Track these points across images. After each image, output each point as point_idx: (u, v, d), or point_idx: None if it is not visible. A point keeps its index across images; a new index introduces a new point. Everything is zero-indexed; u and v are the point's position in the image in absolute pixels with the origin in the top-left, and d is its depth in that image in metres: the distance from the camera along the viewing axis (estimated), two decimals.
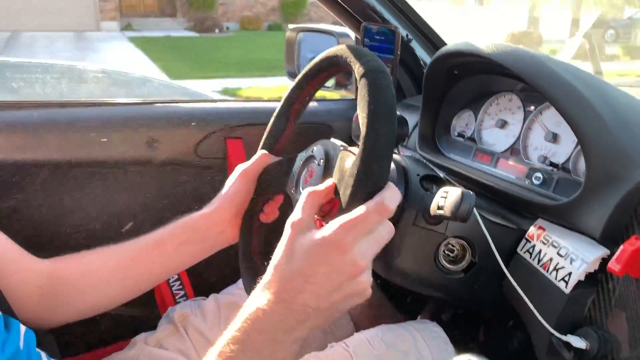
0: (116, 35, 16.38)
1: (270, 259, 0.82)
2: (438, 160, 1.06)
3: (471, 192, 0.70)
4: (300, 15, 21.59)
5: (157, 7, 20.47)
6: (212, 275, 1.22)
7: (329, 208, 0.78)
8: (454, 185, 0.87)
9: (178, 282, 1.23)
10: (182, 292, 1.22)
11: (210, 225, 0.90)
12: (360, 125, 0.66)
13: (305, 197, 0.66)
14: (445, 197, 0.72)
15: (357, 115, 1.00)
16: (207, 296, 1.10)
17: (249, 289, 0.88)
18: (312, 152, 0.86)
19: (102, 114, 1.18)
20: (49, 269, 0.91)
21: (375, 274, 0.69)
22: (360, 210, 0.60)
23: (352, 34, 1.34)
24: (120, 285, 0.91)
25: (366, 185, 0.63)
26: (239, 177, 0.90)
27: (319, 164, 0.82)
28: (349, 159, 0.73)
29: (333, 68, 0.83)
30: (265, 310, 0.60)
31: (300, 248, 0.60)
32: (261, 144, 0.94)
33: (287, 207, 0.90)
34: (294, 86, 0.90)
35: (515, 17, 15.98)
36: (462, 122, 1.10)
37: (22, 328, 0.84)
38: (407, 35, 1.24)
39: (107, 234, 1.15)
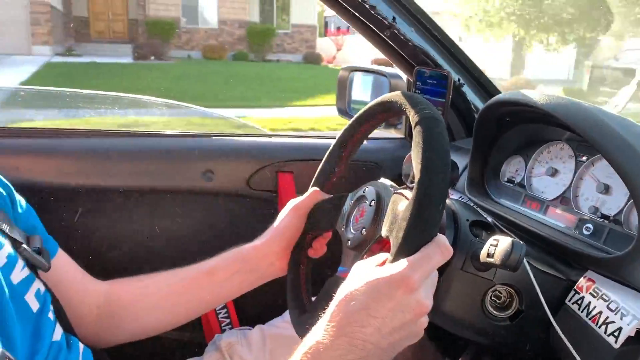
0: (37, 60, 16.06)
1: (317, 293, 0.85)
2: (486, 205, 1.07)
3: (522, 242, 0.71)
4: (267, 46, 21.36)
5: (127, 34, 20.88)
6: (258, 306, 1.25)
7: (378, 248, 0.80)
8: (503, 232, 0.88)
9: (224, 310, 1.26)
10: (227, 320, 1.26)
11: (260, 257, 0.93)
12: (415, 172, 0.69)
13: (378, 257, 0.69)
14: (496, 246, 0.74)
15: (408, 156, 1.03)
16: (253, 326, 1.13)
17: (295, 321, 0.90)
18: (363, 192, 0.88)
19: (164, 144, 1.24)
20: (107, 290, 0.96)
21: None
22: (425, 251, 0.62)
23: (404, 76, 1.38)
24: (172, 311, 0.95)
25: (420, 230, 0.65)
26: (291, 212, 0.93)
27: (370, 205, 0.84)
28: (401, 203, 0.75)
29: (387, 113, 0.86)
30: (326, 345, 0.62)
31: (367, 283, 0.62)
32: (313, 181, 0.98)
33: (335, 244, 0.93)
34: (348, 127, 0.94)
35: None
36: (512, 168, 1.11)
37: (81, 346, 0.89)
38: (459, 79, 1.27)
39: (161, 259, 1.20)
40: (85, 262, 0.97)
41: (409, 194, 0.83)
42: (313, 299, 0.91)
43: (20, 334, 0.76)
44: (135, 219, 1.24)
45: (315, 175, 0.98)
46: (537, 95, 0.92)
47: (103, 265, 1.21)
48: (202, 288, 0.93)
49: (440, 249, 0.64)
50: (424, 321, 0.64)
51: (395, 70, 1.41)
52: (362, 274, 0.64)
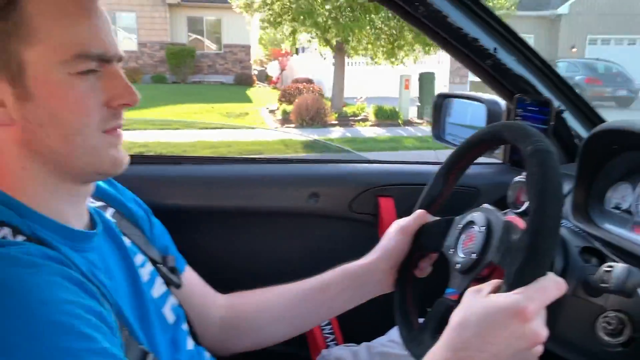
0: None
1: (423, 313, 0.89)
2: (591, 231, 1.08)
3: (638, 269, 0.73)
4: (186, 67, 20.57)
5: None
6: (361, 324, 1.30)
7: (487, 273, 0.83)
8: (613, 259, 0.89)
9: (329, 327, 1.33)
10: (332, 337, 1.32)
11: (368, 274, 0.98)
12: (530, 202, 0.72)
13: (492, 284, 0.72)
14: (610, 272, 0.76)
15: (514, 182, 1.05)
16: (357, 343, 1.19)
17: (405, 338, 0.94)
18: (472, 217, 0.91)
19: (276, 170, 1.35)
20: (228, 303, 1.06)
21: None
22: (542, 283, 0.65)
23: (501, 102, 1.40)
24: (290, 322, 1.03)
25: (536, 262, 0.68)
26: (398, 232, 0.98)
27: (479, 231, 0.86)
28: (515, 232, 0.78)
29: (497, 141, 0.89)
30: None
31: (483, 311, 0.66)
32: (419, 202, 1.02)
33: (441, 265, 0.96)
34: (456, 152, 0.98)
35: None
36: (618, 195, 1.11)
37: (207, 354, 0.98)
38: (559, 106, 1.28)
39: (271, 276, 1.30)
40: (206, 277, 1.07)
41: (520, 221, 0.86)
42: (419, 319, 0.96)
43: (162, 343, 0.86)
44: (249, 238, 1.35)
45: (421, 197, 1.02)
46: None
47: (221, 281, 1.32)
48: (316, 301, 1.00)
49: (556, 283, 0.67)
50: (539, 350, 0.67)
51: (493, 96, 1.44)
52: (478, 302, 0.68)
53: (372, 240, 1.38)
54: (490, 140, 0.91)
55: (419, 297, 0.99)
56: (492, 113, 1.44)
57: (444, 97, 1.65)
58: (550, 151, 0.72)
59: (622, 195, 1.11)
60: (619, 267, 0.74)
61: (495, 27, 1.17)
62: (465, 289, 0.84)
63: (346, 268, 1.00)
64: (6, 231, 0.66)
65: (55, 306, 0.59)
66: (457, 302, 0.84)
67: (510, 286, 0.69)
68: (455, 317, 0.69)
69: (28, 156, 0.70)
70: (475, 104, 1.54)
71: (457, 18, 1.12)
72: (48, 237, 0.70)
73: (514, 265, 0.70)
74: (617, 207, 1.10)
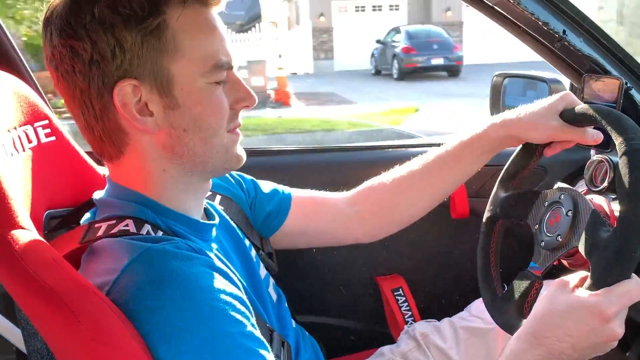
0: None
1: (507, 281, 0.94)
2: None
3: None
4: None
5: None
6: (437, 302, 1.37)
7: (572, 252, 0.88)
8: None
9: (406, 304, 1.40)
10: (409, 313, 1.40)
11: (499, 139, 1.00)
12: (619, 202, 0.76)
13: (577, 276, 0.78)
14: None
15: (591, 161, 1.08)
16: (437, 319, 1.26)
17: (489, 305, 0.99)
18: (559, 198, 0.94)
19: (350, 157, 1.41)
20: (359, 197, 1.14)
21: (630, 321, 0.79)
22: (625, 287, 0.71)
23: (566, 81, 1.43)
24: (430, 197, 1.11)
25: (622, 266, 0.72)
26: (543, 127, 0.94)
27: (566, 214, 0.88)
28: (603, 229, 0.80)
29: (590, 122, 0.89)
30: (527, 350, 0.74)
31: (566, 305, 0.72)
32: (503, 172, 1.05)
33: (523, 238, 1.00)
34: (577, 112, 0.94)
35: None
36: None
37: (306, 333, 1.07)
38: (626, 83, 1.30)
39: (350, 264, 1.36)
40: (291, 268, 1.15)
41: (606, 209, 0.89)
42: (504, 285, 1.01)
43: (274, 320, 0.95)
44: None
45: (506, 167, 1.05)
46: None
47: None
48: (452, 171, 1.07)
49: (639, 287, 0.71)
50: (615, 344, 0.73)
51: (555, 75, 1.47)
52: (563, 297, 0.74)
53: (444, 219, 1.45)
54: (586, 121, 0.91)
55: (501, 267, 1.04)
56: (555, 91, 1.46)
57: (504, 77, 1.68)
58: None
59: None
60: None
61: (564, 9, 1.20)
62: (548, 267, 0.90)
63: (480, 134, 1.02)
64: (148, 228, 0.76)
65: (212, 294, 0.68)
66: (540, 278, 0.90)
67: (596, 283, 0.73)
68: (540, 307, 0.76)
69: (169, 159, 0.78)
70: (536, 82, 1.56)
71: (527, 4, 1.15)
72: (182, 230, 0.79)
73: (601, 263, 0.74)
74: None
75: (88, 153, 0.98)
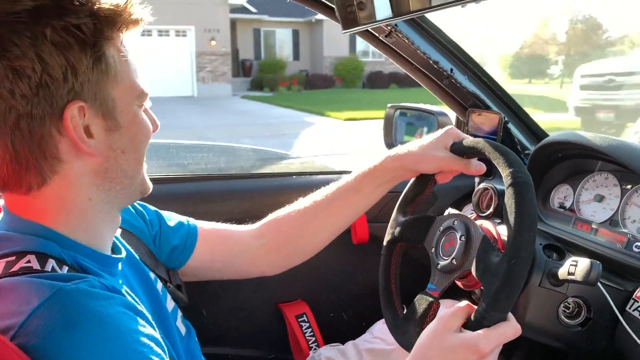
0: None
1: (407, 300, 1.00)
2: (541, 227, 1.25)
3: (598, 262, 0.88)
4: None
5: None
6: (340, 326, 1.41)
7: (465, 275, 0.96)
8: (571, 255, 1.05)
9: (310, 330, 1.42)
10: (313, 339, 1.42)
11: (395, 170, 1.07)
12: (507, 230, 0.83)
13: (461, 305, 0.84)
14: (576, 265, 0.91)
15: (479, 189, 1.19)
16: (341, 343, 1.29)
17: (391, 325, 1.04)
18: (453, 224, 1.01)
19: (253, 185, 1.42)
20: (263, 231, 1.14)
21: None
22: (502, 329, 0.79)
23: (452, 114, 1.56)
24: (332, 227, 1.14)
25: (510, 286, 0.79)
26: (434, 159, 1.02)
27: (460, 239, 0.95)
28: (493, 254, 0.88)
29: (479, 154, 0.95)
30: None
31: (448, 344, 0.79)
32: (400, 201, 1.11)
33: (421, 261, 1.07)
34: (465, 145, 1.03)
35: None
36: (561, 195, 1.29)
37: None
38: (504, 117, 1.45)
39: (254, 287, 1.37)
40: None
41: (494, 233, 0.98)
42: (404, 306, 1.06)
43: (183, 355, 0.93)
44: None
45: (402, 196, 1.11)
46: (590, 135, 1.11)
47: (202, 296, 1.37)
48: (352, 202, 1.11)
49: (514, 329, 0.80)
50: None
51: (442, 109, 1.59)
52: (446, 333, 0.80)
53: (345, 244, 1.49)
54: (474, 153, 0.99)
55: (400, 287, 1.10)
56: (442, 123, 1.58)
57: (396, 109, 1.79)
58: (530, 184, 0.83)
59: (564, 196, 1.29)
60: (582, 261, 0.89)
61: (452, 50, 1.32)
62: (444, 288, 0.96)
63: (376, 167, 1.08)
64: (52, 263, 0.71)
65: (130, 336, 0.65)
66: (437, 298, 0.96)
67: (489, 304, 0.80)
68: (425, 337, 0.82)
69: (98, 185, 0.77)
70: (425, 114, 1.68)
71: (421, 44, 1.25)
72: (89, 265, 0.75)
73: (493, 285, 0.81)
74: (561, 206, 1.28)
75: None
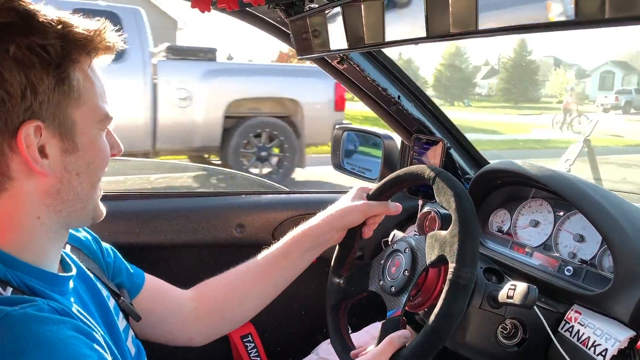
0: None
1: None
2: (480, 250, 1.30)
3: (535, 287, 0.94)
4: None
5: None
6: (287, 346, 1.41)
7: (414, 293, 1.00)
8: (509, 278, 1.11)
9: (255, 350, 1.42)
10: (258, 359, 1.41)
11: (326, 234, 1.12)
12: (453, 219, 0.93)
13: (398, 336, 0.92)
14: (514, 289, 0.96)
15: (423, 212, 1.23)
16: None
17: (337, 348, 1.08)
18: (393, 248, 1.06)
19: (203, 204, 1.41)
20: (197, 293, 1.15)
21: (444, 348, 0.93)
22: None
23: (397, 138, 1.61)
24: (261, 293, 1.15)
25: (472, 241, 0.91)
26: (356, 198, 1.13)
27: (404, 252, 1.02)
28: (443, 230, 0.97)
29: (421, 180, 1.04)
30: None
31: None
32: (333, 262, 1.16)
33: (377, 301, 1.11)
34: (386, 182, 1.13)
35: None
36: (499, 219, 1.36)
37: None
38: (446, 143, 1.51)
39: None
40: None
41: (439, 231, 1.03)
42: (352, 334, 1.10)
43: None
44: (178, 272, 1.39)
45: (335, 256, 1.16)
46: (526, 165, 1.18)
47: None
48: (280, 268, 1.13)
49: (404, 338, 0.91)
50: None
51: (387, 132, 1.64)
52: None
53: None
54: (410, 180, 1.08)
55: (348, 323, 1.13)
56: (387, 147, 1.63)
57: (343, 130, 1.83)
58: (472, 214, 0.93)
59: (502, 220, 1.36)
60: (521, 286, 0.95)
61: (400, 78, 1.37)
62: (404, 304, 0.99)
63: (304, 231, 1.13)
64: None
65: None
66: (401, 316, 0.99)
67: (459, 262, 0.89)
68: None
69: (48, 205, 0.75)
70: (372, 137, 1.73)
71: (371, 72, 1.29)
72: (36, 286, 0.73)
73: (453, 246, 0.91)
74: (499, 230, 1.34)
75: None
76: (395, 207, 1.12)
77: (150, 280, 1.10)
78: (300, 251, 1.12)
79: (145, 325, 1.07)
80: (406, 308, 1.03)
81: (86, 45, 0.74)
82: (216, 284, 1.14)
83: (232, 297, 1.13)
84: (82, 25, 0.74)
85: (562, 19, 0.48)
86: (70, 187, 0.76)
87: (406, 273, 1.00)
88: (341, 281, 1.12)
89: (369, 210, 1.10)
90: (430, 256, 0.96)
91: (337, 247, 1.15)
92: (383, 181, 1.11)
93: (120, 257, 1.07)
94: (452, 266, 0.90)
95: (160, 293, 1.10)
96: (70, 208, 0.78)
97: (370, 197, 1.12)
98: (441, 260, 0.95)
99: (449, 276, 0.90)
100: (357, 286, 1.10)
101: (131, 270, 1.08)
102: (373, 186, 1.14)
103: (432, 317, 0.89)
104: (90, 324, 0.75)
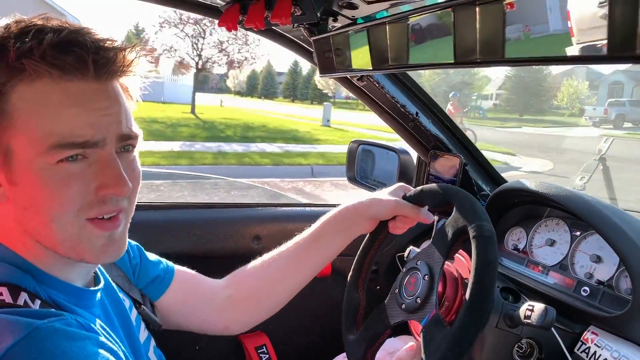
0: None
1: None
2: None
3: (552, 308, 0.94)
4: None
5: None
6: (302, 357, 1.42)
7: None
8: (526, 298, 1.11)
9: (266, 355, 1.43)
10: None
11: (357, 218, 1.10)
12: (470, 277, 0.87)
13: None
14: (532, 310, 0.96)
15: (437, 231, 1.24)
16: None
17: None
18: (416, 264, 1.06)
19: (219, 215, 1.43)
20: (230, 282, 1.15)
21: None
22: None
23: (413, 153, 1.62)
24: (295, 278, 1.14)
25: (478, 316, 0.84)
26: (393, 193, 1.09)
27: (424, 278, 0.99)
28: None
29: (445, 201, 1.01)
30: None
31: None
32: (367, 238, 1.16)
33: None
34: (414, 192, 1.09)
35: None
36: (515, 237, 1.36)
37: None
38: (463, 159, 1.52)
39: None
40: None
41: (455, 271, 1.03)
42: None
43: None
44: None
45: (362, 245, 1.15)
46: (543, 185, 1.18)
47: None
48: (312, 250, 1.12)
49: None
50: None
51: (404, 146, 1.65)
52: None
53: None
54: (442, 199, 1.03)
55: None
56: (403, 162, 1.64)
57: (359, 144, 1.84)
58: (494, 239, 0.88)
59: (517, 238, 1.36)
60: (539, 307, 0.95)
61: (418, 95, 1.38)
62: (437, 304, 0.98)
63: (334, 215, 1.11)
64: (25, 297, 0.69)
65: None
66: (391, 326, 0.99)
67: (475, 219, 0.88)
68: None
69: (26, 233, 0.73)
70: (387, 151, 1.74)
71: (390, 89, 1.31)
72: (64, 302, 0.74)
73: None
74: (515, 248, 1.35)
75: None
76: (426, 215, 1.07)
77: (181, 272, 1.11)
78: (330, 234, 1.11)
79: (180, 316, 1.09)
80: (411, 327, 1.04)
81: (15, 67, 0.66)
82: (249, 272, 1.14)
83: (265, 283, 1.13)
84: (18, 45, 0.65)
85: (592, 54, 0.49)
86: (25, 221, 0.71)
87: (418, 301, 0.96)
88: (356, 337, 1.06)
89: (397, 207, 1.06)
90: (449, 235, 0.94)
91: (364, 240, 1.13)
92: (421, 187, 1.07)
93: (146, 254, 1.08)
94: (471, 226, 0.88)
95: (193, 283, 1.11)
96: (46, 243, 0.73)
97: (406, 197, 1.09)
98: (461, 233, 0.93)
99: (472, 233, 0.88)
100: (381, 326, 1.03)
101: (160, 265, 1.08)
102: (410, 188, 1.11)
103: (472, 269, 0.87)
104: (112, 340, 0.76)
